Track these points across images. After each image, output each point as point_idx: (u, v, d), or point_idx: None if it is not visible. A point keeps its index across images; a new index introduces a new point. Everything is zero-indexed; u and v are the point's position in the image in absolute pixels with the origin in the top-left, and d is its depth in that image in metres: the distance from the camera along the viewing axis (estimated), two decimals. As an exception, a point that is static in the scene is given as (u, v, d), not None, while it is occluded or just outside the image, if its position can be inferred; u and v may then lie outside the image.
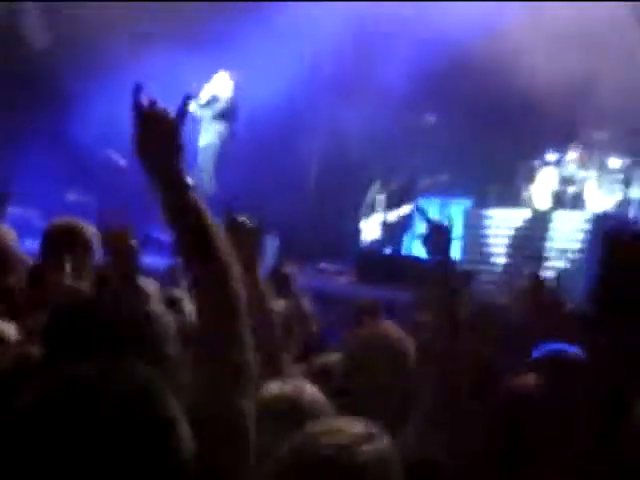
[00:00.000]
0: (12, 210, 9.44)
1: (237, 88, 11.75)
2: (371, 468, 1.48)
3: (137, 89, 1.84)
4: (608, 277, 4.45)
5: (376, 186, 12.13)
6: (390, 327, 3.06)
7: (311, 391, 2.39)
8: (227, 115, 11.72)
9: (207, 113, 11.66)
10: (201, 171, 11.34)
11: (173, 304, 3.50)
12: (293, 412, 2.25)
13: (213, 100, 11.73)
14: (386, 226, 12.08)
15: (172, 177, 1.79)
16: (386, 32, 11.81)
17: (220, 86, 11.80)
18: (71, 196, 11.34)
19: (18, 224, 4.90)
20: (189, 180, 1.82)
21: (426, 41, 11.20)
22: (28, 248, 4.97)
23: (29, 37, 12.13)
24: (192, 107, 10.89)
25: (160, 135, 1.79)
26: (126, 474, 1.24)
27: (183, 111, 1.85)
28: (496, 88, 11.44)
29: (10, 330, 3.12)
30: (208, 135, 11.64)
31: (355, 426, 1.58)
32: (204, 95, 11.73)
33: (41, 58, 12.02)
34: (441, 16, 11.03)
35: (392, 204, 12.03)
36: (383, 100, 12.09)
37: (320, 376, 2.68)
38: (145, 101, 1.82)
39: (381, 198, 12.08)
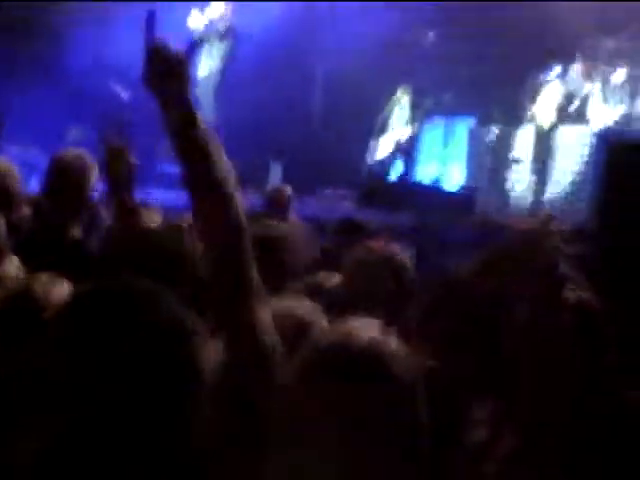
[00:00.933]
0: (10, 148, 9.29)
1: (234, 11, 11.71)
2: (399, 359, 1.48)
3: (150, 17, 1.84)
4: (611, 187, 4.42)
5: (396, 99, 12.04)
6: (389, 244, 3.06)
7: (313, 308, 2.40)
8: (227, 36, 11.73)
9: (208, 37, 11.66)
10: (201, 101, 11.29)
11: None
12: (302, 330, 2.26)
13: (212, 24, 11.74)
14: (395, 146, 12.04)
15: (185, 112, 1.83)
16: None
17: (217, 11, 11.79)
18: (72, 132, 11.25)
19: (18, 163, 4.87)
20: (200, 115, 1.85)
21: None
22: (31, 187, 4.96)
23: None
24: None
25: (172, 73, 1.82)
26: (141, 377, 1.36)
27: (192, 50, 1.86)
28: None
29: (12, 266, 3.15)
30: (208, 63, 11.62)
31: (374, 327, 1.56)
32: (203, 20, 11.73)
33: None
34: None
35: (403, 122, 12.02)
36: (384, 17, 11.85)
37: (315, 295, 2.65)
38: (157, 39, 1.84)
39: (395, 115, 12.03)
